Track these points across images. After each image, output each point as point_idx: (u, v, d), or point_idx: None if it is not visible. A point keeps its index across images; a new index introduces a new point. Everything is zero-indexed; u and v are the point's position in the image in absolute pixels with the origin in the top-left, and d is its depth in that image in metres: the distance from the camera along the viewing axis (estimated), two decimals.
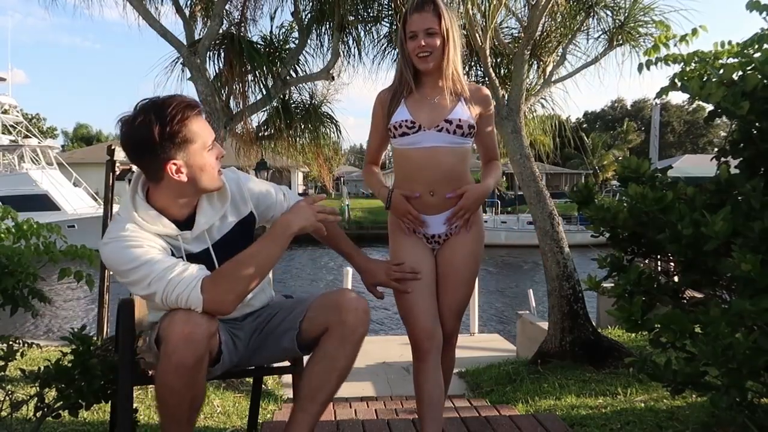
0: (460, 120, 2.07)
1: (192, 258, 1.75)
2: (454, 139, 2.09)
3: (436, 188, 2.11)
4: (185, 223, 1.78)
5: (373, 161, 2.32)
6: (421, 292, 2.11)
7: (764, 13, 1.80)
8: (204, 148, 1.70)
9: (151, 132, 1.60)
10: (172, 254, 1.73)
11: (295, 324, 1.88)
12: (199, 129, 1.69)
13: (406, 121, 2.08)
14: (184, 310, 1.61)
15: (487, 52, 4.64)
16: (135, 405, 1.97)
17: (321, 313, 1.86)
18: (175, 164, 1.66)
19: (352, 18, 5.11)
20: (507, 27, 5.54)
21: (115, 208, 5.98)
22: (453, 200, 2.13)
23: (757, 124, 1.65)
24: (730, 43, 1.87)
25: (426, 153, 2.09)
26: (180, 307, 1.62)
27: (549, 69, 5.36)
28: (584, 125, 52.75)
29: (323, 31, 5.30)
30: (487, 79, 4.81)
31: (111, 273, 5.63)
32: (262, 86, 5.01)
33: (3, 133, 26.02)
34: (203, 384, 1.71)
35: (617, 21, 5.08)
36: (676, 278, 1.87)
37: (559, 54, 5.32)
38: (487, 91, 2.21)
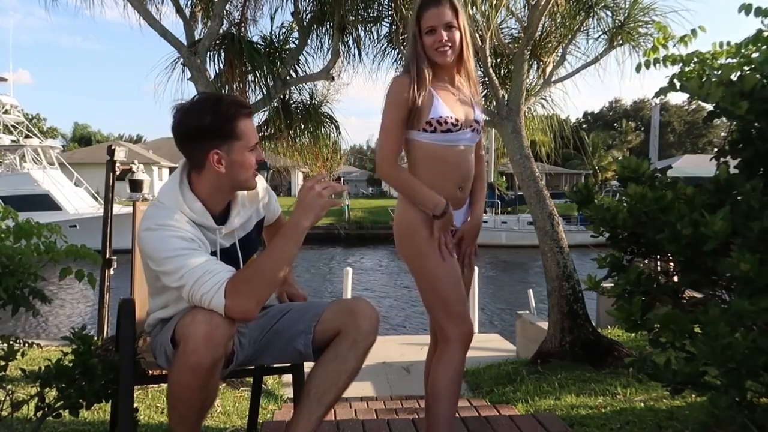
0: (482, 120, 2.15)
1: (222, 252, 1.83)
2: (476, 138, 2.14)
3: (464, 184, 2.14)
4: (218, 219, 1.85)
5: (396, 158, 2.10)
6: (462, 292, 2.09)
7: (759, 15, 1.80)
8: (246, 147, 1.78)
9: (203, 121, 1.72)
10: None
11: (310, 327, 1.89)
12: (246, 128, 1.78)
13: (451, 117, 2.02)
14: (205, 311, 1.62)
15: (487, 52, 4.65)
16: (135, 405, 1.98)
17: (335, 317, 1.88)
18: (217, 154, 1.75)
19: (352, 18, 5.12)
20: (507, 27, 5.55)
21: (116, 208, 5.98)
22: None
23: (756, 124, 1.66)
24: (728, 43, 1.87)
25: (462, 152, 2.10)
26: (202, 306, 1.63)
27: (549, 69, 5.37)
28: (584, 126, 52.76)
29: (323, 31, 5.30)
30: (487, 79, 4.82)
31: (112, 269, 5.63)
32: (262, 86, 5.01)
33: (4, 133, 25.99)
34: (216, 386, 1.74)
35: (617, 21, 5.09)
36: (675, 278, 1.87)
37: (559, 54, 5.33)
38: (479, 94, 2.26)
